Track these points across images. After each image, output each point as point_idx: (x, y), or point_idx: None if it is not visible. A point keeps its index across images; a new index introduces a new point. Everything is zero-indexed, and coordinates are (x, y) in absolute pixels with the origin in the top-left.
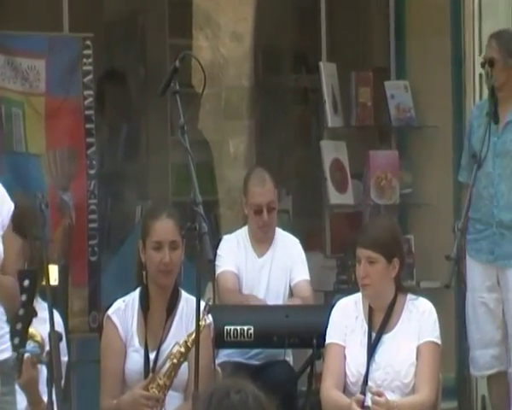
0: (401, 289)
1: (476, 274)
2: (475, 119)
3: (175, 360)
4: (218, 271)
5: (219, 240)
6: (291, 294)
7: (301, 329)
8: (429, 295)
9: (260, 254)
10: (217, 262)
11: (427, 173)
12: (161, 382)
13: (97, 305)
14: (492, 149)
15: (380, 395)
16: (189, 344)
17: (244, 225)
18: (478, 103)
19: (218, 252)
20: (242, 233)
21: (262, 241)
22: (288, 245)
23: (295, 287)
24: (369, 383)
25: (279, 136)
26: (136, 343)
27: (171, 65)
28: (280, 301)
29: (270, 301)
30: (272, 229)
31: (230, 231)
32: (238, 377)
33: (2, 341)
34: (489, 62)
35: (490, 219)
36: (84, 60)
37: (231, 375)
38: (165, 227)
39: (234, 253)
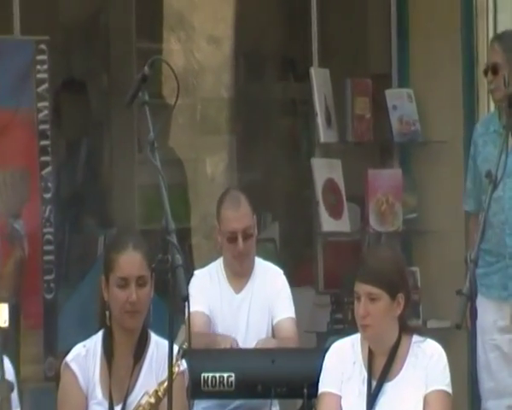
0: (406, 329)
1: (487, 313)
2: (480, 136)
3: None
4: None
5: (191, 275)
6: (273, 335)
7: (290, 376)
8: (438, 336)
9: (238, 289)
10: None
11: (434, 196)
12: None
13: (54, 350)
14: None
15: None
16: (160, 394)
17: (220, 256)
18: (482, 119)
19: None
20: (216, 266)
21: (239, 274)
22: (269, 277)
23: (277, 326)
24: None
25: (264, 153)
26: (98, 395)
27: (138, 72)
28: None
29: (251, 344)
30: (249, 259)
31: (207, 263)
32: None
33: None
34: (492, 69)
35: (502, 249)
36: (38, 66)
37: None
38: (131, 261)
39: (205, 290)
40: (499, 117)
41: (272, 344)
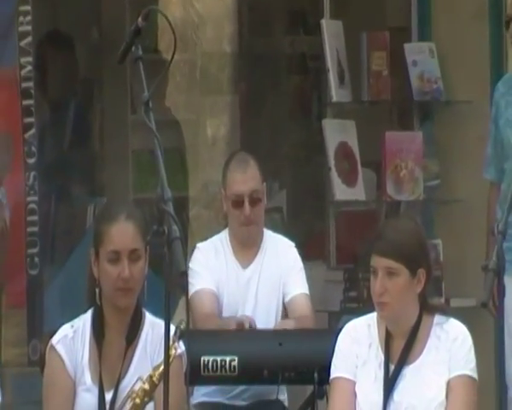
0: (427, 308)
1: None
2: (502, 97)
3: (137, 400)
4: (192, 290)
5: (193, 249)
6: (285, 314)
7: (299, 360)
8: (462, 316)
9: (245, 263)
10: (190, 279)
11: (458, 161)
12: None
13: (38, 332)
14: None
15: None
16: (155, 380)
17: (225, 227)
18: (504, 77)
19: (191, 265)
20: (222, 238)
21: (246, 245)
22: (280, 251)
23: (290, 304)
24: None
25: (270, 114)
26: (88, 380)
27: (131, 24)
28: (271, 324)
29: (259, 325)
30: (257, 228)
31: (207, 237)
32: None
33: None
34: None
35: None
36: (21, 18)
37: None
38: (123, 233)
39: (211, 265)
40: None
41: (291, 326)
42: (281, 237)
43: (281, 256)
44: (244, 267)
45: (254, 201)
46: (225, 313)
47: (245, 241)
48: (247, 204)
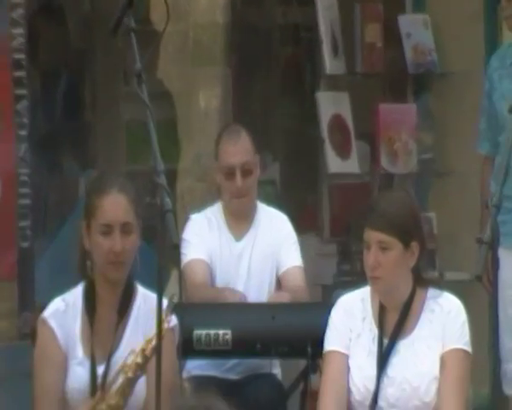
0: (421, 282)
1: (507, 265)
2: (495, 71)
3: (130, 374)
4: (184, 260)
5: (185, 220)
6: (279, 287)
7: (292, 334)
8: (456, 289)
9: (238, 236)
10: (182, 249)
11: (452, 134)
12: (113, 401)
13: (29, 304)
14: None
15: None
16: (147, 353)
17: (218, 199)
18: (497, 51)
19: (184, 236)
20: (215, 211)
21: (238, 216)
22: (273, 223)
23: (284, 277)
24: (380, 402)
25: (263, 86)
26: (79, 354)
27: None
28: (264, 298)
29: (252, 298)
30: (250, 199)
31: (200, 209)
32: (208, 393)
33: None
34: None
35: None
36: None
37: (200, 391)
38: (115, 205)
39: (204, 236)
40: None
41: (286, 299)
42: (274, 210)
43: (274, 229)
44: (237, 240)
45: (246, 172)
46: (218, 286)
47: (237, 213)
48: (238, 176)
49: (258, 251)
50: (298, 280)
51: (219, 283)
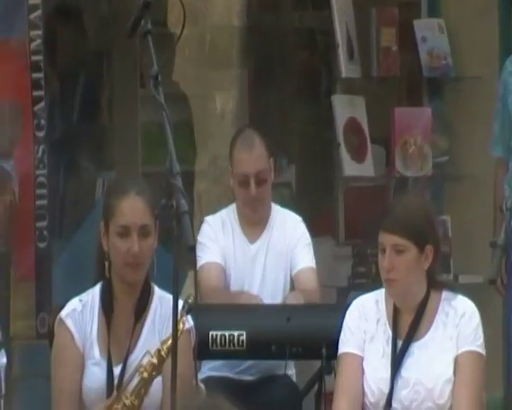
0: (435, 285)
1: None
2: (510, 75)
3: (145, 375)
4: (199, 263)
5: (201, 222)
6: (293, 288)
7: (307, 335)
8: (470, 292)
9: (252, 238)
10: (197, 252)
11: (467, 137)
12: (128, 402)
13: (47, 305)
14: None
15: None
16: (163, 354)
17: (234, 201)
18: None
19: (199, 238)
20: (229, 212)
21: (253, 222)
22: (288, 225)
23: (297, 277)
24: (394, 404)
25: (279, 89)
26: (96, 354)
27: None
28: (278, 299)
29: (266, 299)
30: (264, 206)
31: (216, 211)
32: (220, 395)
33: None
34: None
35: None
36: None
37: (215, 393)
38: (133, 208)
39: (219, 239)
40: None
41: (300, 299)
42: (289, 211)
43: (288, 231)
44: (251, 242)
45: (260, 181)
46: (233, 288)
47: (251, 219)
48: (252, 185)
49: (273, 253)
50: (310, 282)
51: (234, 285)
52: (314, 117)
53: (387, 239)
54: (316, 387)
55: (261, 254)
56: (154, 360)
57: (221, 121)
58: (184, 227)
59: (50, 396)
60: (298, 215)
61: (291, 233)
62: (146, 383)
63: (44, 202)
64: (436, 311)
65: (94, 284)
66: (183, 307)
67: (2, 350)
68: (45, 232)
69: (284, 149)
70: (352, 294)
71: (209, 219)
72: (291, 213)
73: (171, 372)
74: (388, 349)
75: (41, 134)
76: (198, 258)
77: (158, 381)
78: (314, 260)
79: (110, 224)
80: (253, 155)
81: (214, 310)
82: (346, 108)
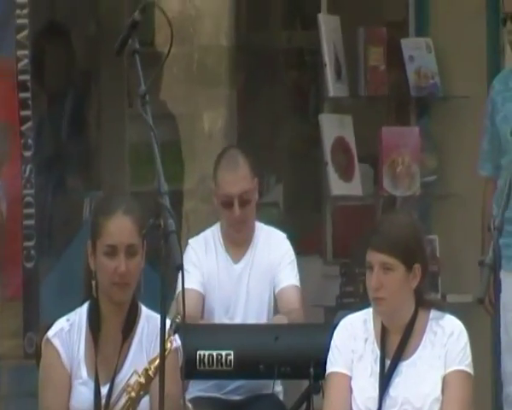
0: (423, 304)
1: (509, 288)
2: (498, 94)
3: (133, 394)
4: (178, 289)
5: (185, 244)
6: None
7: (295, 355)
8: (458, 311)
9: (236, 258)
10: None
11: (455, 157)
12: None
13: (34, 324)
14: None
15: None
16: (150, 373)
17: (218, 221)
18: (499, 75)
19: None
20: (214, 232)
21: (237, 242)
22: (272, 242)
23: (279, 296)
24: None
25: (267, 108)
26: (83, 374)
27: (129, 16)
28: (264, 318)
29: (252, 319)
30: (247, 227)
31: (201, 231)
32: None
33: None
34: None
35: None
36: (18, 11)
37: None
38: (120, 227)
39: (201, 262)
40: None
41: (282, 320)
42: (273, 229)
43: (273, 248)
44: (235, 262)
45: (244, 202)
46: (217, 308)
47: (235, 239)
48: (236, 206)
49: (257, 272)
50: (293, 301)
51: (219, 305)
52: (302, 136)
53: (375, 257)
54: (304, 407)
55: (245, 273)
56: (142, 380)
57: (209, 140)
58: (172, 246)
59: None
60: (283, 232)
61: (275, 250)
62: (133, 403)
63: (32, 221)
64: (424, 330)
65: (82, 304)
66: (171, 326)
67: None
68: (33, 252)
69: (272, 167)
70: (339, 313)
71: (192, 241)
72: (275, 231)
73: (159, 392)
74: (376, 368)
75: (28, 154)
76: (177, 283)
77: (145, 400)
78: (298, 278)
79: (97, 243)
80: (238, 176)
81: (202, 329)
82: (333, 128)
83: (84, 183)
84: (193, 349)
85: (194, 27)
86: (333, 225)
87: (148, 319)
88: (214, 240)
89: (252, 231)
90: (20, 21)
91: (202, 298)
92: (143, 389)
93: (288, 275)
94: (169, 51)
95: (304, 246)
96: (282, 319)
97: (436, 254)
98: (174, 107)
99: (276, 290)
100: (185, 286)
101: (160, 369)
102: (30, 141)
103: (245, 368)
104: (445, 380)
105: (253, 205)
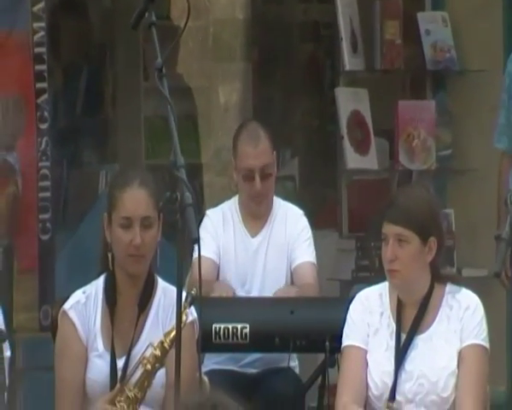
0: (439, 278)
1: None
2: None
3: (148, 367)
4: (193, 256)
5: (203, 215)
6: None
7: (310, 328)
8: (474, 285)
9: (254, 232)
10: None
11: (471, 131)
12: (131, 394)
13: (50, 297)
14: None
15: None
16: (166, 346)
17: (236, 194)
18: None
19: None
20: (231, 206)
21: (255, 216)
22: (289, 219)
23: (295, 272)
24: (398, 397)
25: (282, 82)
26: (100, 347)
27: None
28: None
29: (268, 292)
30: (267, 200)
31: (219, 204)
32: (221, 390)
33: None
34: None
35: None
36: None
37: (218, 385)
38: (136, 199)
39: (218, 234)
40: None
41: (293, 293)
42: (291, 205)
43: (289, 224)
44: (253, 236)
45: (265, 175)
46: (234, 281)
47: (254, 213)
48: (257, 179)
49: (274, 247)
50: (308, 276)
51: (235, 279)
52: (318, 110)
53: (391, 230)
54: (319, 380)
55: (262, 247)
56: (157, 352)
57: (225, 114)
58: (188, 220)
59: (54, 389)
60: (300, 208)
61: (292, 227)
62: (149, 376)
63: (48, 194)
64: (440, 304)
65: (98, 276)
66: (186, 298)
67: (7, 343)
68: (48, 224)
69: (287, 141)
70: (355, 287)
71: (210, 212)
72: (293, 207)
73: (175, 364)
74: (392, 343)
75: (44, 126)
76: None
77: (161, 373)
78: (314, 255)
79: (113, 215)
80: (259, 150)
81: (217, 302)
82: (349, 101)
83: (99, 156)
84: (208, 322)
85: (210, 0)
86: (348, 199)
87: (165, 291)
88: (232, 213)
89: (270, 205)
90: None
91: (217, 267)
92: (159, 361)
93: (305, 252)
94: (185, 24)
95: (319, 220)
96: (290, 289)
97: (452, 229)
98: (189, 80)
99: (293, 266)
100: (201, 253)
101: (177, 342)
102: (46, 113)
103: (260, 341)
104: (460, 354)
105: (274, 179)
